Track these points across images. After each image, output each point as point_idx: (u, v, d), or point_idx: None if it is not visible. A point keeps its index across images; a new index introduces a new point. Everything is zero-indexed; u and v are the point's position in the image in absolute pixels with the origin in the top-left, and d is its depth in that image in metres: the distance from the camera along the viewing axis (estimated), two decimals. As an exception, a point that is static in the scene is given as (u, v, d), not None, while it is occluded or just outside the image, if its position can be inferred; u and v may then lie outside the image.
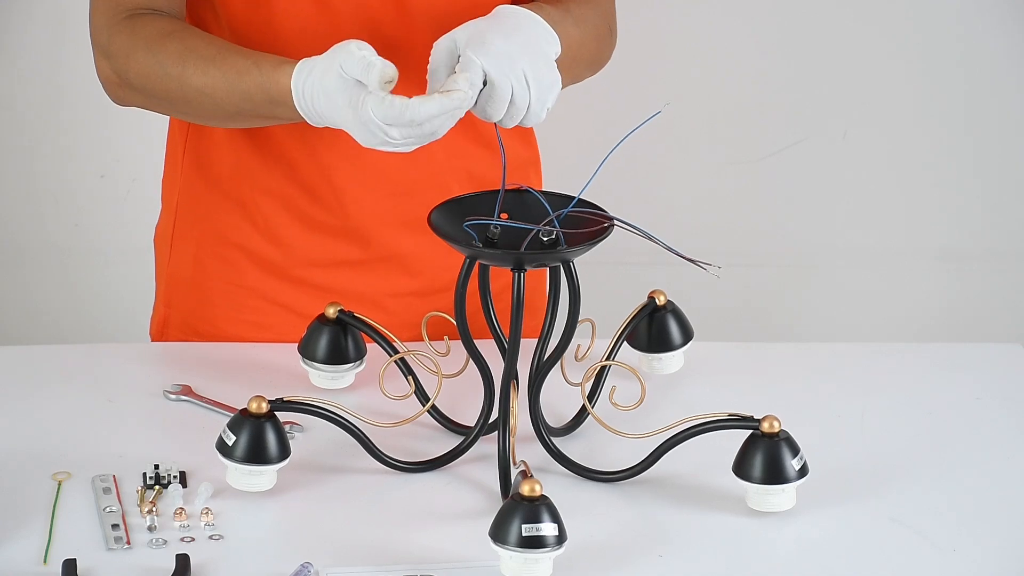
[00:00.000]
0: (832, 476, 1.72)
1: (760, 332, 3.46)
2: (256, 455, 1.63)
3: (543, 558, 1.51)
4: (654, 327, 1.85)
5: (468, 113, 1.70)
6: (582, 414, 1.77)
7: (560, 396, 1.78)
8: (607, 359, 1.76)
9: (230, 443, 1.63)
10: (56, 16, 3.25)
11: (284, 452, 1.65)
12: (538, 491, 1.52)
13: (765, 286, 3.50)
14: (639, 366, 1.85)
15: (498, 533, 1.52)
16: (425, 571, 1.54)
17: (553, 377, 1.74)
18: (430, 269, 2.01)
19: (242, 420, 1.64)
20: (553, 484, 1.69)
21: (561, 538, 1.52)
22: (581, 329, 1.76)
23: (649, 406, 1.78)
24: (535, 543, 1.50)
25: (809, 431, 1.81)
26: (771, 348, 2.04)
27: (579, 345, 1.81)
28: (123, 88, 1.86)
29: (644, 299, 1.86)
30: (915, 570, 1.59)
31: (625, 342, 1.83)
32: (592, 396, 1.77)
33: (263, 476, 1.64)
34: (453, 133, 1.72)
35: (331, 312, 1.82)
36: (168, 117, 1.98)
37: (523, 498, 1.52)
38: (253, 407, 1.64)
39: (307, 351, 1.83)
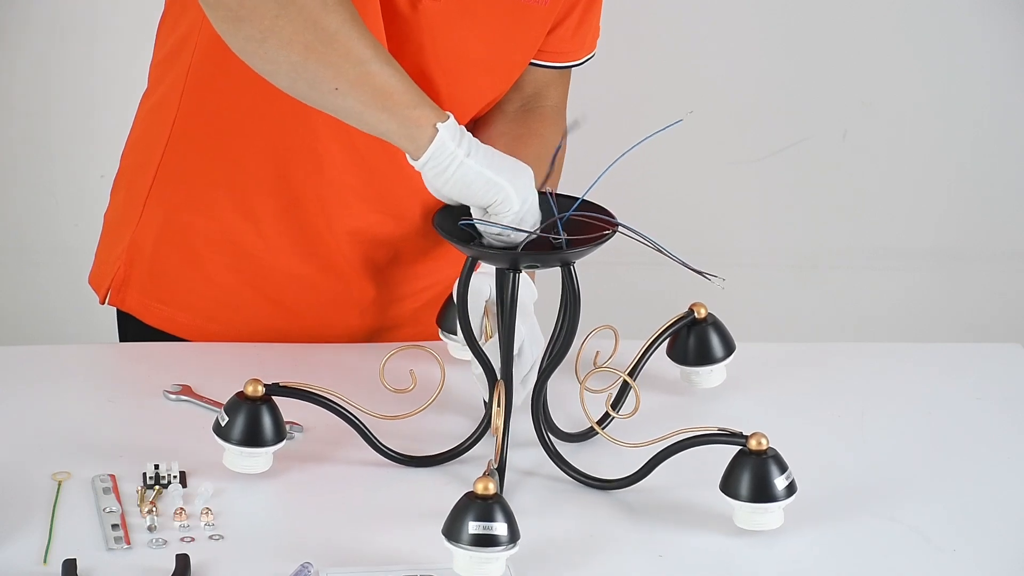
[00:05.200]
0: (832, 476, 1.72)
1: (760, 332, 3.46)
2: (252, 437, 1.64)
3: (494, 557, 1.51)
4: (694, 340, 1.84)
5: None
6: (601, 422, 1.75)
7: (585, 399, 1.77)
8: (629, 373, 1.74)
9: (224, 424, 1.64)
10: (56, 16, 3.25)
11: (279, 435, 1.66)
12: (491, 489, 1.51)
13: (765, 286, 3.50)
14: (679, 378, 1.85)
15: (450, 531, 1.51)
16: (425, 571, 1.54)
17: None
18: (401, 279, 2.02)
19: (238, 403, 1.65)
20: (550, 488, 1.69)
21: (513, 537, 1.51)
22: (603, 332, 1.75)
23: (659, 409, 1.78)
24: (486, 541, 1.50)
25: (809, 431, 1.81)
26: (771, 348, 2.04)
27: (598, 352, 1.80)
28: None
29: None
30: (915, 570, 1.59)
31: (662, 353, 1.83)
32: (616, 406, 1.76)
33: (259, 458, 1.65)
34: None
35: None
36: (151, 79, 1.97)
37: (476, 496, 1.52)
38: (249, 390, 1.65)
39: (445, 323, 1.87)
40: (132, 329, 2.04)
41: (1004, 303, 3.53)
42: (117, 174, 2.06)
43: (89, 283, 2.08)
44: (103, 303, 2.05)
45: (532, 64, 1.99)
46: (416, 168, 1.68)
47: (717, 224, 3.45)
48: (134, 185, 2.00)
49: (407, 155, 1.68)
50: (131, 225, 2.00)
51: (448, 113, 1.67)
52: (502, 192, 1.65)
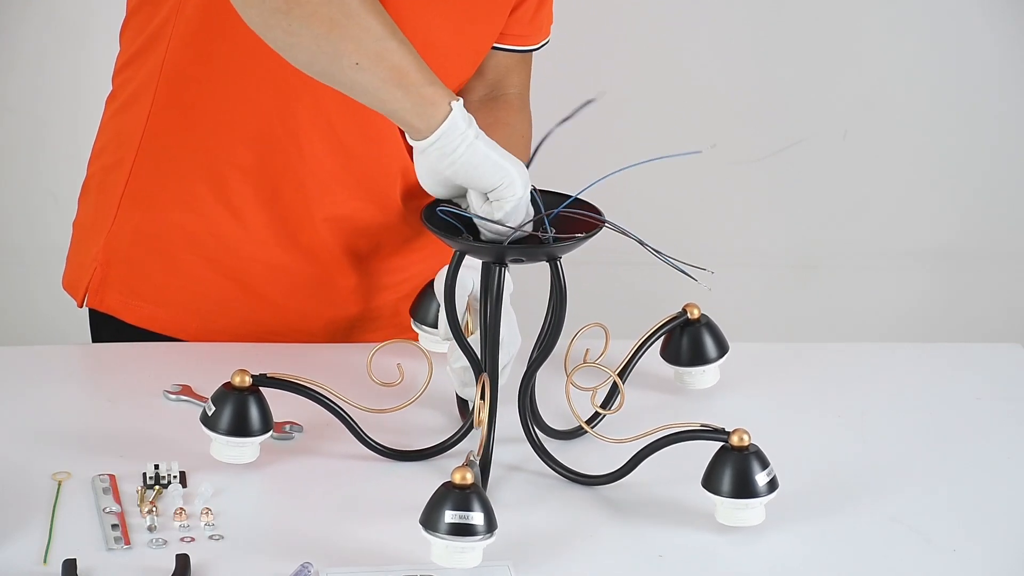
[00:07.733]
0: (832, 476, 1.72)
1: (760, 332, 3.46)
2: (239, 427, 1.65)
3: (471, 546, 1.51)
4: (687, 340, 1.84)
5: None
6: (591, 420, 1.76)
7: (574, 398, 1.77)
8: (620, 373, 1.74)
9: (211, 414, 1.64)
10: (55, 16, 3.25)
11: (267, 425, 1.66)
12: (469, 479, 1.52)
13: (765, 286, 3.50)
14: (672, 379, 1.85)
15: (428, 520, 1.52)
16: (425, 571, 1.54)
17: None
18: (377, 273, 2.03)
19: (225, 393, 1.65)
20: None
21: (490, 527, 1.52)
22: (595, 331, 1.75)
23: (652, 407, 1.78)
24: (463, 530, 1.51)
25: (809, 431, 1.81)
26: (771, 348, 2.04)
27: (588, 350, 1.80)
28: None
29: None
30: (915, 570, 1.59)
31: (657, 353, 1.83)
32: (606, 404, 1.76)
33: (245, 448, 1.66)
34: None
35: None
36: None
37: (454, 486, 1.52)
38: (236, 380, 1.65)
39: (419, 315, 1.88)
40: (107, 332, 2.04)
41: (1004, 303, 3.53)
42: (84, 181, 2.05)
43: (64, 288, 2.07)
44: (81, 306, 2.05)
45: (493, 48, 2.01)
46: (419, 148, 1.67)
47: (717, 224, 3.45)
48: (106, 187, 2.00)
49: (408, 136, 1.68)
50: (105, 226, 1.99)
51: (458, 96, 1.68)
52: (508, 176, 1.65)
